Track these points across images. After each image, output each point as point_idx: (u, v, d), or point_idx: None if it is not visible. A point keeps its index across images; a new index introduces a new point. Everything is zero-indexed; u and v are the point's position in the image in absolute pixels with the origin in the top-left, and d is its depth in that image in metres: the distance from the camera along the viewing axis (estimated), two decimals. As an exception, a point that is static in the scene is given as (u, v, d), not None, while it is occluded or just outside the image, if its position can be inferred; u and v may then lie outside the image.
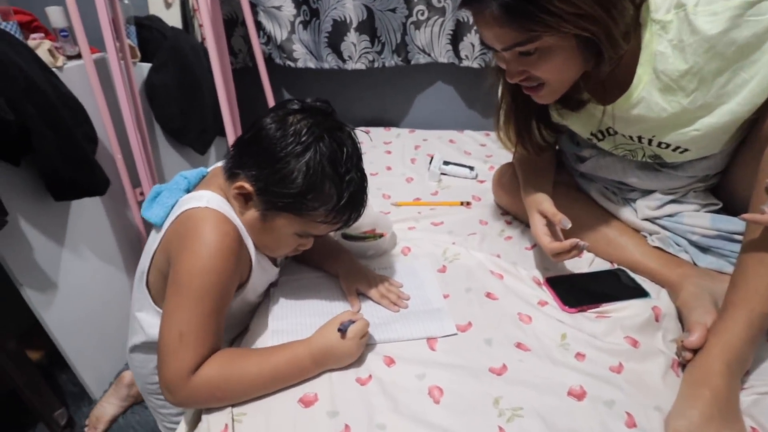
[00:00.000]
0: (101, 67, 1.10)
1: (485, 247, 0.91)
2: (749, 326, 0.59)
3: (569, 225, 0.74)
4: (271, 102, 1.29)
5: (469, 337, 0.70)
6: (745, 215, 0.59)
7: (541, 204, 0.79)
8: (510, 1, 0.56)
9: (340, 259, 0.81)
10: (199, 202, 0.61)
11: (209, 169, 0.71)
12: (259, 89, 1.31)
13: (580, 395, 0.60)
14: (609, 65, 0.63)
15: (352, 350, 0.63)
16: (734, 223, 0.75)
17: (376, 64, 1.22)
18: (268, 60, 1.30)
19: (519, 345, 0.68)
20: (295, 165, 0.59)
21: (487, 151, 1.26)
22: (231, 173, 0.63)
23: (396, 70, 1.28)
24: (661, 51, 0.64)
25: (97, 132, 1.07)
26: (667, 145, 0.73)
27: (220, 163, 0.70)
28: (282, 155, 0.59)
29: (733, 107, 0.64)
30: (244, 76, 1.36)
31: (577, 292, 0.77)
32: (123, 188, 1.17)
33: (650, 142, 0.74)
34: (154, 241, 0.64)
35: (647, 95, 0.67)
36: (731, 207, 0.79)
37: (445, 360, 0.66)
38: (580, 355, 0.66)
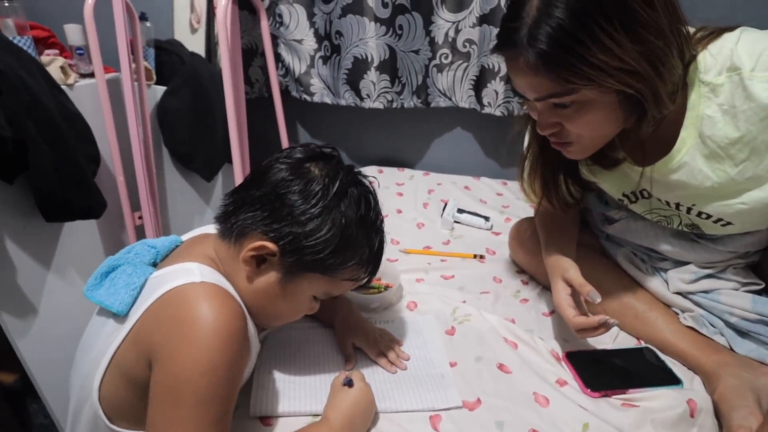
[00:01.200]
0: (114, 86, 1.08)
1: (499, 309, 0.84)
2: None
3: (599, 300, 0.67)
4: (283, 134, 1.26)
5: (478, 417, 0.62)
6: None
7: (567, 271, 0.72)
8: (548, 50, 0.52)
9: (337, 309, 0.74)
10: (190, 276, 0.49)
11: (185, 237, 0.62)
12: (273, 121, 1.28)
13: (606, 507, 0.51)
14: (651, 125, 0.58)
15: (371, 395, 0.59)
16: (782, 309, 0.67)
17: (394, 105, 1.19)
18: (284, 92, 1.28)
19: (534, 433, 0.60)
20: (328, 219, 0.52)
21: (504, 201, 1.20)
22: (239, 233, 0.54)
23: (414, 111, 1.25)
24: (709, 115, 0.58)
25: (102, 153, 1.04)
26: (708, 216, 0.67)
27: (198, 231, 0.62)
28: (313, 211, 0.52)
29: None
30: (258, 107, 1.33)
31: (601, 373, 0.69)
32: (122, 211, 1.13)
33: (689, 210, 0.68)
34: (111, 335, 0.49)
35: (690, 160, 0.62)
36: (773, 288, 0.72)
37: (449, 445, 0.57)
38: (604, 452, 0.58)
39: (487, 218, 1.09)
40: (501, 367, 0.70)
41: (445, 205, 1.12)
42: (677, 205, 0.69)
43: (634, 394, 0.66)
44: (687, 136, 0.61)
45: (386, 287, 0.85)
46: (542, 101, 0.59)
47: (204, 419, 0.44)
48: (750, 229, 0.67)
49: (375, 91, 1.17)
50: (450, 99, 1.19)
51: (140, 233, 1.17)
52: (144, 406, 0.46)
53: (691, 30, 0.60)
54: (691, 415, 0.62)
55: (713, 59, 0.58)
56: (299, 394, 0.62)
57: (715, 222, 0.67)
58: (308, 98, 1.26)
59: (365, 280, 0.59)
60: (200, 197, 1.41)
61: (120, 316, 0.49)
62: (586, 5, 0.50)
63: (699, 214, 0.67)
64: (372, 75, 1.15)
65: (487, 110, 1.16)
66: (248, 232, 0.53)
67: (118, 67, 1.07)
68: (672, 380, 0.68)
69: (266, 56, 1.18)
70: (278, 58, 1.26)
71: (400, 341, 0.74)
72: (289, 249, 0.52)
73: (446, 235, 1.07)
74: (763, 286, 0.72)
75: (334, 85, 1.22)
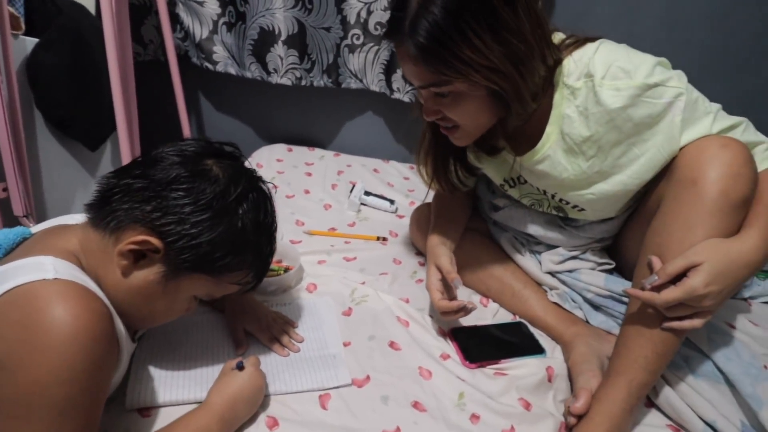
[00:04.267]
0: (-34, 34, 0.91)
1: (395, 289, 0.88)
2: (629, 395, 0.62)
3: (460, 286, 0.75)
4: (181, 103, 1.16)
5: (366, 393, 0.65)
6: (628, 290, 0.62)
7: (439, 258, 0.78)
8: (424, 42, 0.56)
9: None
10: (40, 272, 0.43)
11: (35, 229, 0.54)
12: (170, 88, 1.17)
13: (470, 465, 0.58)
14: (517, 120, 0.65)
15: (261, 381, 0.59)
16: (624, 286, 0.79)
17: (303, 82, 1.15)
18: (184, 57, 1.17)
19: (416, 404, 0.65)
20: (224, 222, 0.51)
21: (410, 185, 1.25)
22: (117, 223, 0.49)
23: (326, 91, 1.22)
24: (568, 114, 0.66)
25: (-50, 112, 0.88)
26: (567, 202, 0.77)
27: (54, 222, 0.56)
28: (208, 213, 0.50)
29: (624, 178, 0.68)
30: (153, 71, 1.21)
31: (480, 346, 0.76)
32: (-22, 182, 0.97)
33: (553, 196, 0.78)
34: None
35: (552, 154, 0.70)
36: (621, 268, 0.84)
37: (335, 421, 0.60)
38: (475, 417, 0.64)
39: (392, 201, 1.13)
40: (392, 344, 0.74)
41: (353, 187, 1.14)
42: (544, 192, 0.78)
43: (505, 363, 0.74)
44: (551, 132, 0.69)
45: (286, 269, 0.85)
46: (424, 89, 0.63)
47: None
48: (601, 217, 0.78)
49: (282, 66, 1.12)
50: (361, 81, 1.19)
51: (5, 207, 1.02)
52: None
53: (562, 36, 0.67)
54: (549, 380, 0.72)
55: (575, 65, 0.65)
56: (184, 383, 0.60)
57: (573, 207, 0.77)
58: (210, 66, 1.17)
59: (251, 285, 0.59)
60: (84, 168, 1.26)
61: None
62: (459, 5, 0.54)
63: (560, 200, 0.77)
64: (279, 49, 1.10)
65: (396, 95, 1.18)
66: (129, 224, 0.49)
67: (-30, 11, 0.90)
68: (537, 350, 0.77)
69: (160, 16, 1.07)
70: (176, 18, 1.15)
71: (295, 323, 0.75)
72: (175, 248, 0.49)
73: (352, 216, 1.09)
74: (614, 265, 0.84)
75: (239, 55, 1.15)
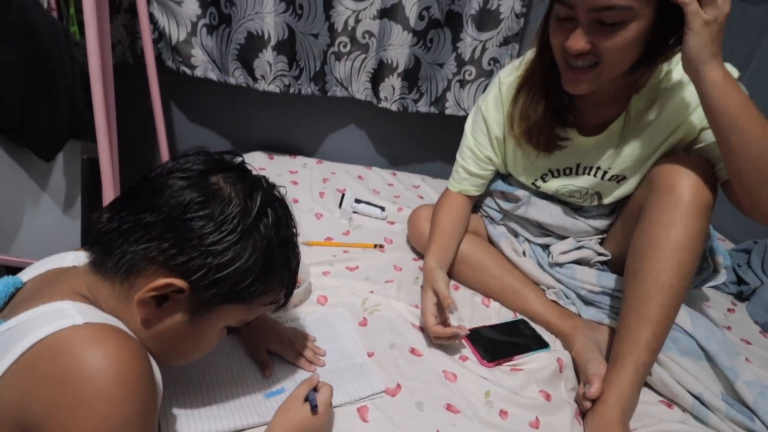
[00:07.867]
0: None
1: (403, 295, 0.89)
2: (636, 374, 0.69)
3: (455, 311, 0.77)
4: (158, 113, 1.08)
5: (400, 401, 0.67)
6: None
7: (436, 282, 0.78)
8: None
9: None
10: (66, 318, 0.39)
11: (26, 277, 0.48)
12: (139, 94, 1.08)
13: (512, 459, 0.61)
14: (648, 73, 0.70)
15: (329, 425, 0.57)
16: (615, 281, 0.88)
17: (292, 89, 1.12)
18: (157, 60, 1.09)
19: (449, 407, 0.67)
20: (248, 244, 0.46)
21: (395, 191, 1.27)
22: (128, 269, 0.44)
23: (311, 98, 1.20)
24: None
25: None
26: (614, 176, 0.83)
27: (46, 266, 0.49)
28: (231, 237, 0.45)
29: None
30: (120, 74, 1.12)
31: (492, 346, 0.80)
32: None
33: (605, 174, 0.84)
34: None
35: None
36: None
37: (380, 433, 0.61)
38: (503, 413, 0.68)
39: (383, 208, 1.14)
40: (413, 350, 0.76)
41: (343, 195, 1.13)
42: (604, 173, 0.83)
43: (518, 360, 0.78)
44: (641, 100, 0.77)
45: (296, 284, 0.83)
46: (595, 13, 0.61)
47: None
48: (634, 184, 0.83)
49: (271, 72, 1.08)
50: (347, 89, 1.18)
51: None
52: None
53: None
54: (560, 371, 0.77)
55: None
56: (219, 414, 0.57)
57: (618, 181, 0.84)
58: (188, 71, 1.11)
59: (284, 302, 0.55)
60: (33, 180, 1.13)
61: None
62: None
63: (612, 177, 0.83)
64: (268, 54, 1.06)
65: (383, 104, 1.19)
66: (143, 267, 0.44)
67: None
68: (542, 345, 0.83)
69: (139, 14, 0.99)
70: (150, 18, 1.07)
71: (313, 337, 0.74)
72: (203, 284, 0.45)
73: (345, 225, 1.09)
74: (610, 257, 0.91)
75: (221, 60, 1.10)
